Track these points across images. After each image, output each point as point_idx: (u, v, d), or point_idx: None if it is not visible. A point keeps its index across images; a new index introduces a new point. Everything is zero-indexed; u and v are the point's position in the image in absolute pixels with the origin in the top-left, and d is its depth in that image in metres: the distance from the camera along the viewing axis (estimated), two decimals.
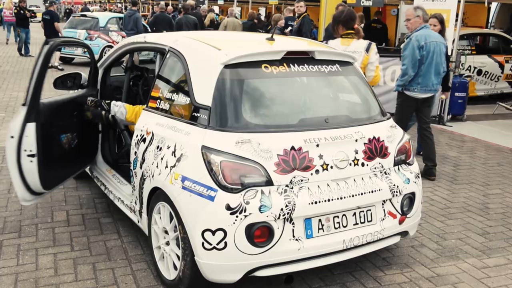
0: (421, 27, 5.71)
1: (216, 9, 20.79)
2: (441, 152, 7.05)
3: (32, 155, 3.55)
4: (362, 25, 8.61)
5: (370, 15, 15.30)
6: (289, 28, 10.68)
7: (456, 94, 9.01)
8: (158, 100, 3.60)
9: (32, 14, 19.86)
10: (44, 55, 3.62)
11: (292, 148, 3.00)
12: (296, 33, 9.06)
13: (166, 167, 3.15)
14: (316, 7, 13.70)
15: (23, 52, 16.80)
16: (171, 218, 3.17)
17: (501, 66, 10.87)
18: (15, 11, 17.67)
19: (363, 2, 10.37)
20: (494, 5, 15.12)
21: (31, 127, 3.53)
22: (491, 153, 7.19)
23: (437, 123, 9.06)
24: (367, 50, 4.92)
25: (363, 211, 3.24)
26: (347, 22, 5.07)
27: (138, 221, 3.72)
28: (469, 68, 10.27)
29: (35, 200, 3.91)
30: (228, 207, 2.82)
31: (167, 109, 3.48)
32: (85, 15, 16.87)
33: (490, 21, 15.85)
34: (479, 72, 10.55)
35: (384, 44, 12.35)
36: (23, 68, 13.65)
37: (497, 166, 6.54)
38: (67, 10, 33.93)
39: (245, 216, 2.83)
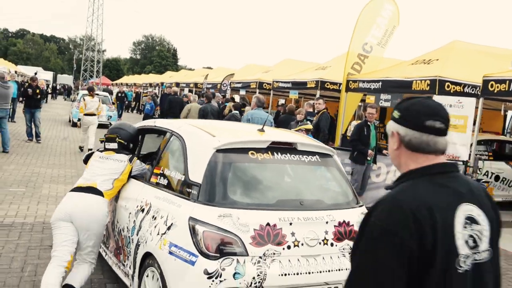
0: (256, 108, 9.29)
1: (237, 98, 21.02)
2: None
3: None
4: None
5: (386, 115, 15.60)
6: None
7: None
8: (159, 176, 4.12)
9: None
10: None
11: (268, 224, 3.43)
12: (314, 129, 9.35)
13: (158, 234, 3.60)
14: (335, 102, 14.14)
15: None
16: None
17: None
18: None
19: (381, 102, 10.62)
20: (510, 113, 14.99)
21: None
22: (511, 263, 6.65)
23: None
24: None
25: (330, 287, 3.58)
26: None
27: (130, 285, 4.09)
28: (486, 174, 10.15)
29: None
30: (206, 272, 3.22)
31: (165, 184, 3.99)
32: None
33: (506, 127, 15.66)
34: (497, 178, 10.34)
35: None
36: (47, 144, 14.39)
37: None
38: (120, 95, 27.94)
39: (220, 281, 3.21)
